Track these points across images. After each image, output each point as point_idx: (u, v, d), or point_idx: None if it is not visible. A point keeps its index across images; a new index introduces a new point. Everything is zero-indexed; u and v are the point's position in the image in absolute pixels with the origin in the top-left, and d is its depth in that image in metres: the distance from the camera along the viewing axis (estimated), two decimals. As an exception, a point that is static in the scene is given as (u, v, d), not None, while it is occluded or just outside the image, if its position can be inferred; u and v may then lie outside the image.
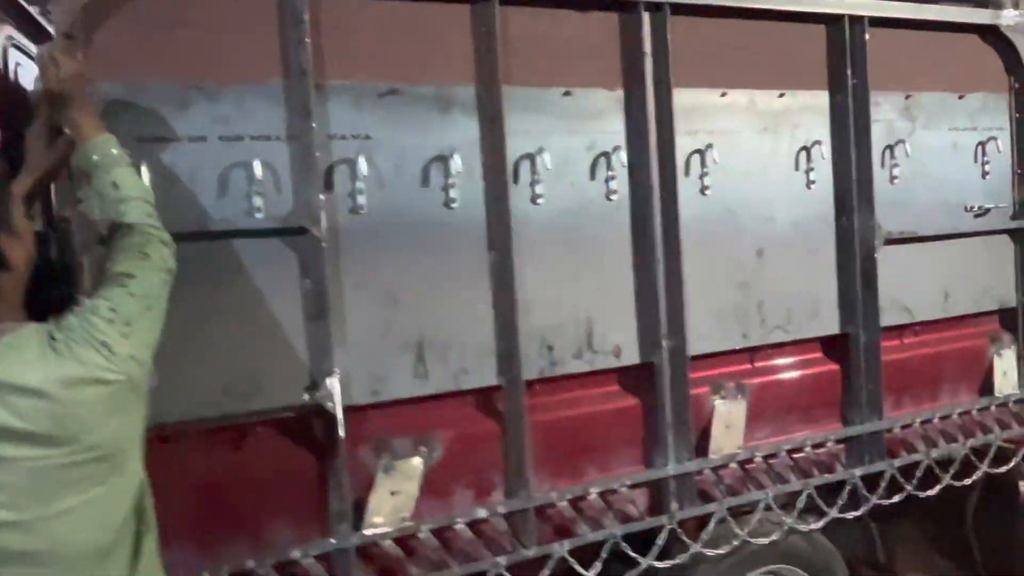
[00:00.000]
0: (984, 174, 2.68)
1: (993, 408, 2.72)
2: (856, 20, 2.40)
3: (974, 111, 2.67)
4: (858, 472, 2.45)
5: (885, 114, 2.50)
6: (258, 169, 1.70)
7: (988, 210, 2.70)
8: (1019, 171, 2.75)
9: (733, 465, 2.28)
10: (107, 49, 1.61)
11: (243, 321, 1.75)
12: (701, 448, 2.26)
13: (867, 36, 2.40)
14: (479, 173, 1.96)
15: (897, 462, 2.51)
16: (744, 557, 2.36)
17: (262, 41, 1.75)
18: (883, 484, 2.48)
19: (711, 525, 2.23)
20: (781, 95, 2.34)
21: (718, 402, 2.28)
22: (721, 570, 2.35)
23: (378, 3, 1.86)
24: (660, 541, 2.14)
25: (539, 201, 2.01)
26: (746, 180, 2.29)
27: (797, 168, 2.37)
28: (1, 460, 1.05)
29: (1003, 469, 2.72)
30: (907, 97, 2.54)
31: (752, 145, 2.30)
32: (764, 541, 2.30)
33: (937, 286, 2.63)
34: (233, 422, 1.75)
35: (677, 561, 2.18)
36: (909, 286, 2.56)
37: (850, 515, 2.44)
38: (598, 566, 2.06)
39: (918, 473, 2.55)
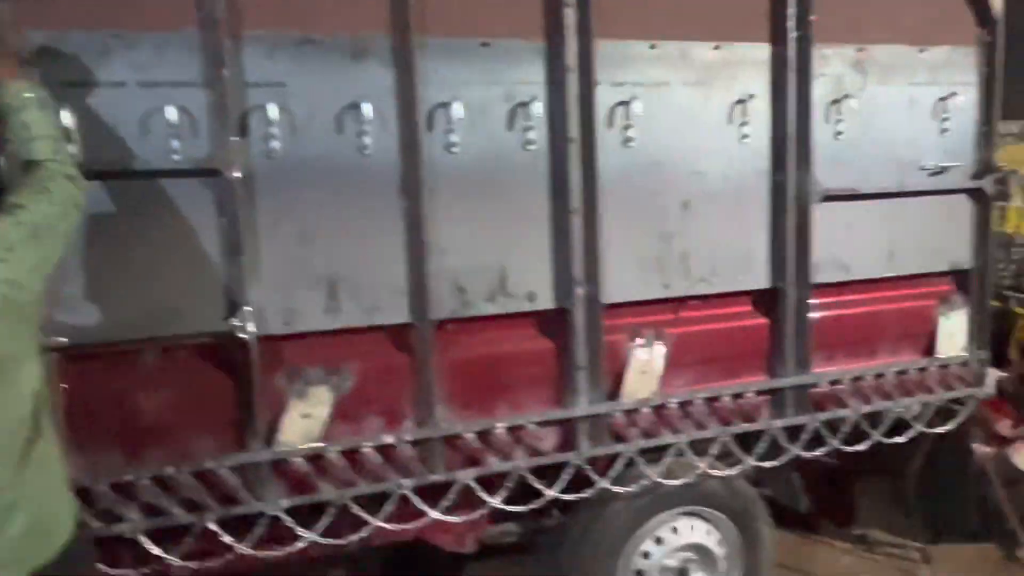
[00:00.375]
0: (943, 131, 2.61)
1: (935, 369, 2.71)
2: (801, -32, 2.34)
3: (936, 65, 2.58)
4: (778, 423, 2.51)
5: (833, 68, 2.46)
6: (172, 114, 1.84)
7: (944, 169, 2.63)
8: (984, 128, 2.66)
9: (646, 410, 2.37)
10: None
11: (165, 254, 1.92)
12: (619, 392, 2.36)
13: (813, -14, 2.35)
14: (394, 121, 2.05)
15: (821, 416, 2.56)
16: (659, 497, 2.48)
17: (179, -9, 1.86)
18: (804, 436, 2.54)
19: (618, 464, 2.34)
20: (716, 47, 2.32)
21: (634, 348, 2.36)
22: (637, 507, 2.48)
23: (292, -46, 1.94)
24: (566, 475, 2.28)
25: (454, 150, 2.09)
26: (674, 133, 2.31)
27: (731, 122, 2.37)
28: None
29: (940, 429, 2.73)
30: (859, 50, 2.48)
31: (682, 98, 2.31)
32: (673, 483, 2.40)
33: (881, 244, 2.60)
34: (155, 344, 1.94)
35: (584, 495, 2.31)
36: (850, 243, 2.56)
37: (767, 464, 2.51)
38: (503, 494, 2.22)
39: (844, 428, 2.59)
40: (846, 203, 2.52)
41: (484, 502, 2.20)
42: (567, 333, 2.26)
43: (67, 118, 1.76)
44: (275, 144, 1.95)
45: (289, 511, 2.06)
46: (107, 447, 1.92)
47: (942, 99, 2.59)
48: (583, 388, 2.29)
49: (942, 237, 2.69)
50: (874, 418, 2.64)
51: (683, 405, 2.42)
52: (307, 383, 2.07)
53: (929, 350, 2.73)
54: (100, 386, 1.90)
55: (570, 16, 2.14)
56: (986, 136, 2.66)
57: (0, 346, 1.33)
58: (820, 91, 2.44)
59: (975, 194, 2.69)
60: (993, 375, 2.80)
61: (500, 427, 2.22)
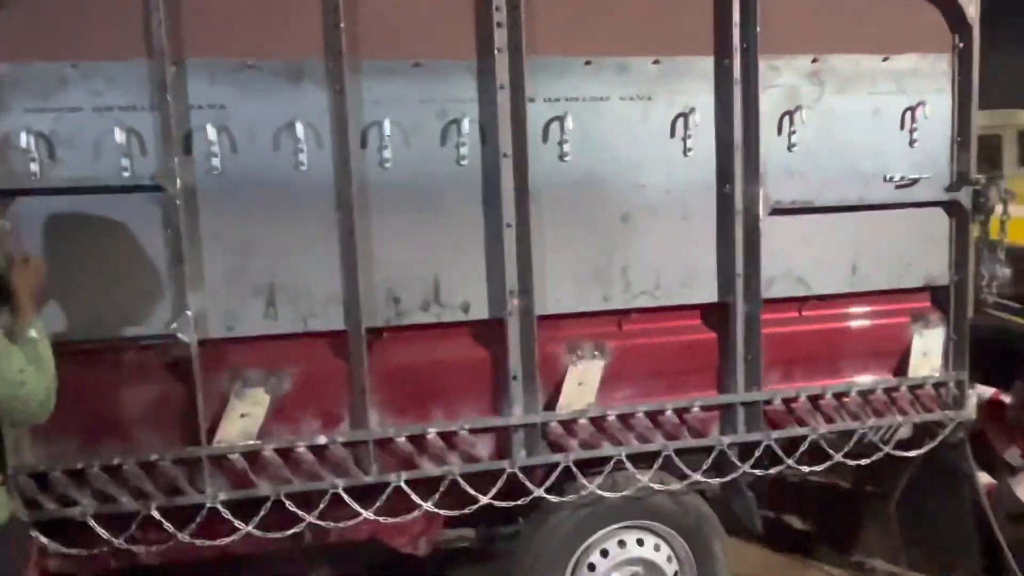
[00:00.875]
0: (912, 142, 2.51)
1: (906, 390, 2.59)
2: (744, -20, 2.33)
3: (903, 74, 2.49)
4: (727, 440, 2.47)
5: (786, 79, 2.42)
6: (119, 136, 2.03)
7: (915, 181, 2.53)
8: (959, 138, 2.54)
9: (584, 422, 2.39)
10: (1, 32, 1.98)
11: (118, 263, 2.11)
12: (556, 403, 2.39)
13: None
14: (329, 139, 2.17)
15: (775, 434, 2.50)
16: (603, 510, 2.48)
17: (130, 24, 2.05)
18: (757, 454, 2.49)
19: (555, 474, 2.37)
20: (656, 61, 2.33)
21: (572, 360, 2.39)
22: (581, 519, 2.49)
23: (233, -14, 2.10)
24: (500, 483, 2.32)
25: (387, 165, 2.20)
26: (613, 147, 2.33)
27: (673, 135, 2.37)
28: None
29: (912, 453, 2.61)
30: (813, 61, 2.43)
31: (621, 112, 2.33)
32: (613, 495, 2.41)
33: (844, 259, 2.52)
34: (109, 344, 2.13)
35: (519, 503, 2.35)
36: (808, 257, 2.49)
37: (714, 481, 2.48)
38: (435, 497, 2.29)
39: (802, 447, 2.52)
40: (801, 216, 2.46)
41: (422, 505, 2.27)
42: (502, 343, 2.32)
43: (30, 141, 1.97)
44: (216, 162, 2.10)
45: (231, 504, 2.20)
46: (64, 438, 2.12)
47: (910, 108, 2.49)
48: (518, 398, 2.34)
49: (915, 252, 2.58)
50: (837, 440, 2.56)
51: (624, 418, 2.42)
52: (245, 384, 2.21)
53: (901, 369, 2.61)
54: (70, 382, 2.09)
55: (501, 35, 2.21)
56: (962, 146, 2.54)
57: None
58: (771, 103, 2.41)
59: (951, 207, 2.57)
60: (974, 398, 2.65)
61: (433, 432, 2.30)
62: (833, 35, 2.44)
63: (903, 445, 2.67)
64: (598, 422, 2.41)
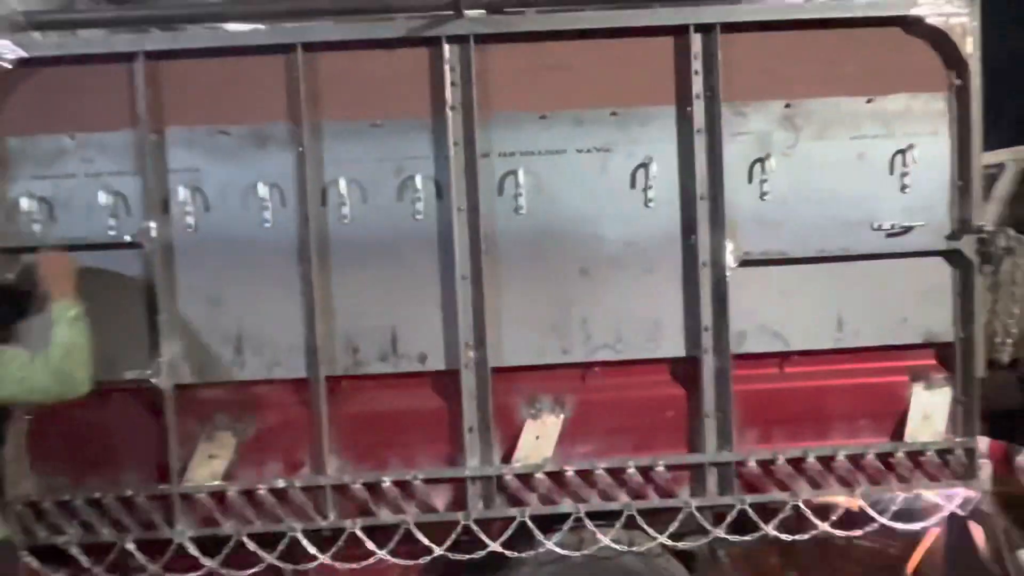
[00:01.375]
0: (903, 187, 2.33)
1: (902, 455, 2.37)
2: (705, 28, 2.27)
3: (890, 116, 2.33)
4: (695, 502, 2.35)
5: (756, 125, 2.33)
6: (104, 198, 2.25)
7: (908, 229, 2.35)
8: (960, 183, 2.33)
9: (540, 476, 2.35)
10: (11, 111, 2.27)
11: (103, 312, 2.30)
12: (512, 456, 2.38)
13: (718, 44, 2.27)
14: (293, 197, 2.31)
15: (750, 498, 2.35)
16: (567, 569, 2.42)
17: (118, 99, 2.29)
18: (729, 519, 2.35)
19: (510, 529, 2.34)
20: (613, 113, 2.32)
21: (530, 413, 2.37)
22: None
23: (206, 61, 2.30)
24: (454, 535, 2.33)
25: (345, 221, 2.30)
26: (570, 199, 2.33)
27: (633, 186, 2.33)
28: None
29: (918, 526, 2.38)
30: (786, 106, 2.32)
31: (577, 164, 2.33)
32: (569, 553, 2.35)
33: (827, 313, 2.37)
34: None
35: (473, 556, 2.35)
36: (785, 311, 2.36)
37: (680, 545, 2.36)
38: (390, 546, 2.33)
39: (783, 514, 2.36)
40: (776, 268, 2.34)
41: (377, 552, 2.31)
42: (457, 394, 2.34)
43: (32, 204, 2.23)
44: (190, 220, 2.29)
45: (202, 540, 2.34)
46: (56, 471, 2.34)
47: (900, 152, 2.33)
48: (474, 449, 2.34)
49: (912, 305, 2.37)
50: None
51: (585, 474, 2.37)
52: (214, 428, 2.35)
53: (900, 433, 2.40)
54: (50, 420, 2.32)
55: (454, 93, 2.28)
56: (963, 191, 2.33)
57: None
58: (740, 150, 2.32)
59: (953, 257, 2.35)
60: (988, 468, 2.39)
61: (387, 481, 2.34)
62: (809, 78, 2.33)
63: (912, 516, 2.45)
64: (557, 477, 2.37)
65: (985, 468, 2.39)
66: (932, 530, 2.56)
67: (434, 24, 2.26)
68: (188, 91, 2.31)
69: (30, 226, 2.28)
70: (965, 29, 2.29)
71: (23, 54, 2.26)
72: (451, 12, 2.23)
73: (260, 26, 2.38)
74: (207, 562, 2.32)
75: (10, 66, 2.25)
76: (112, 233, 2.28)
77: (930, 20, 2.28)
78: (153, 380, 2.30)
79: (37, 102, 2.30)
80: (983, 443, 2.68)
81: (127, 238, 2.29)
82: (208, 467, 2.35)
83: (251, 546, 2.32)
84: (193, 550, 2.32)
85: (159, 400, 2.32)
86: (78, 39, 2.39)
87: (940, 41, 2.31)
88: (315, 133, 2.30)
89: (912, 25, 2.30)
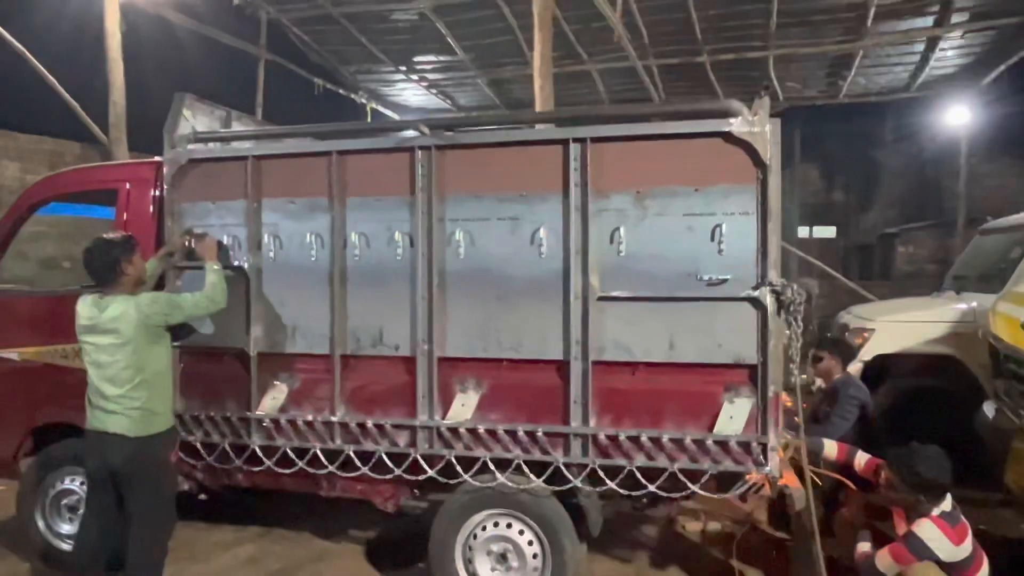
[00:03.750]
0: (719, 251, 3.27)
1: (711, 443, 3.28)
2: (579, 140, 3.41)
3: (713, 199, 3.28)
4: (562, 459, 3.45)
5: (616, 204, 3.40)
6: (227, 239, 3.87)
7: (724, 280, 3.28)
8: (761, 249, 3.23)
9: (462, 430, 3.58)
10: (184, 188, 3.97)
11: (228, 308, 3.93)
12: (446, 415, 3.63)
13: (588, 152, 3.38)
14: (328, 242, 3.77)
15: (599, 461, 3.40)
16: (482, 497, 3.62)
17: (236, 181, 3.90)
18: (583, 475, 3.43)
19: (442, 463, 3.60)
20: (522, 195, 3.51)
21: (459, 388, 3.61)
22: (467, 501, 3.66)
23: (284, 160, 3.85)
24: (407, 462, 3.64)
25: (356, 258, 3.73)
26: (491, 250, 3.55)
27: (532, 243, 3.50)
28: None
29: (719, 496, 3.28)
30: (637, 192, 3.37)
31: (497, 227, 3.54)
32: (479, 486, 3.54)
33: (661, 336, 3.35)
34: (213, 350, 3.95)
35: (420, 477, 3.63)
36: (632, 334, 3.39)
37: (556, 488, 3.47)
38: (365, 470, 3.69)
39: (622, 475, 3.38)
40: (626, 303, 3.38)
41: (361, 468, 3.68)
42: (415, 373, 3.65)
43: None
44: (271, 254, 3.84)
45: (262, 448, 3.85)
46: (190, 397, 3.98)
47: (718, 225, 3.28)
48: (423, 408, 3.64)
49: (725, 335, 3.28)
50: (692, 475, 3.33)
51: (492, 432, 3.56)
52: (276, 380, 3.87)
53: (711, 427, 3.32)
54: (190, 366, 3.95)
55: (423, 181, 3.62)
56: (763, 255, 3.22)
57: (158, 330, 3.39)
58: (605, 222, 3.41)
59: (755, 302, 3.25)
60: (776, 458, 3.22)
61: (370, 423, 3.71)
62: (653, 174, 3.35)
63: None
64: (474, 433, 3.58)
65: (773, 458, 3.23)
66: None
67: (411, 140, 3.63)
68: (274, 177, 3.87)
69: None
70: (765, 141, 3.20)
71: (193, 156, 3.96)
72: (421, 133, 3.59)
73: (311, 140, 3.90)
74: (267, 461, 3.83)
75: (185, 162, 3.96)
76: (236, 262, 3.89)
77: (740, 135, 3.23)
78: (245, 348, 3.87)
79: (196, 183, 3.98)
80: (830, 447, 3.53)
81: (237, 263, 3.88)
82: (272, 403, 3.86)
83: (291, 455, 3.80)
84: (259, 453, 3.84)
85: (248, 361, 3.88)
86: (220, 147, 4.05)
87: (748, 149, 3.24)
88: (341, 205, 3.75)
89: (728, 137, 3.26)
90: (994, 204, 12.10)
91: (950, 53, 11.63)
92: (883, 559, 3.28)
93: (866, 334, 5.99)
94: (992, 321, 4.49)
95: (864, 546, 3.38)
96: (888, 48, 11.45)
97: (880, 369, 5.87)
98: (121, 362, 3.29)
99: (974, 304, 5.67)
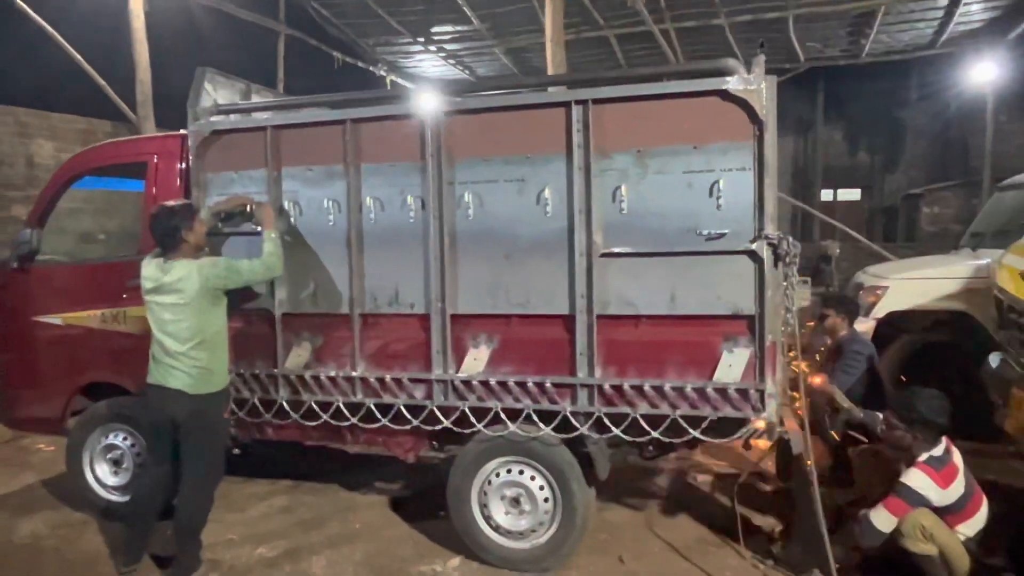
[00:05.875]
0: (719, 206, 3.39)
1: (712, 391, 3.44)
2: (580, 103, 3.53)
3: (712, 156, 3.39)
4: (570, 408, 3.64)
5: (618, 164, 3.53)
6: (250, 208, 4.08)
7: (722, 235, 3.40)
8: (758, 203, 3.34)
9: (475, 383, 3.78)
10: (208, 159, 4.18)
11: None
12: (459, 369, 3.83)
13: (590, 114, 3.51)
14: (345, 207, 3.96)
15: (604, 410, 3.58)
16: (496, 445, 3.83)
17: (256, 151, 4.10)
18: (590, 423, 3.61)
19: (456, 414, 3.81)
20: (527, 157, 3.66)
21: (472, 343, 3.81)
22: (482, 449, 3.87)
23: (302, 130, 4.03)
24: (424, 414, 3.86)
25: (372, 222, 3.91)
26: (499, 211, 3.71)
27: (538, 203, 3.65)
28: None
29: (720, 441, 3.45)
30: (638, 152, 3.50)
31: (504, 189, 3.69)
32: (492, 435, 3.75)
33: (663, 290, 3.49)
34: (242, 312, 4.19)
35: (437, 428, 3.85)
36: (635, 288, 3.54)
37: (566, 436, 3.66)
38: (384, 422, 3.91)
39: (626, 422, 3.56)
40: (629, 259, 3.53)
41: (381, 420, 3.92)
42: (430, 329, 3.85)
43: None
44: (292, 220, 4.05)
45: (288, 402, 4.10)
46: (236, 361, 4.23)
47: (716, 182, 3.39)
48: (438, 362, 3.84)
49: (724, 287, 3.41)
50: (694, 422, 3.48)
51: (503, 384, 3.75)
52: (300, 339, 4.10)
53: (711, 376, 3.47)
54: (232, 329, 4.20)
55: (433, 146, 3.78)
56: (760, 209, 3.34)
57: (216, 293, 3.63)
58: (607, 181, 3.54)
59: (752, 255, 3.37)
60: (773, 404, 3.37)
61: (388, 377, 3.93)
62: (653, 133, 3.46)
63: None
64: (486, 385, 3.78)
65: (771, 404, 3.38)
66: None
67: (420, 107, 3.78)
68: (292, 146, 4.05)
69: (217, 221, 4.17)
70: (761, 98, 3.30)
71: (215, 128, 4.16)
72: (432, 98, 3.75)
73: (326, 109, 4.07)
74: (294, 415, 4.08)
75: (208, 134, 4.16)
76: (254, 227, 4.10)
77: (736, 92, 3.32)
78: (271, 309, 4.10)
79: (220, 154, 4.18)
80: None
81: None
82: (297, 360, 4.10)
83: (315, 408, 4.04)
84: (287, 407, 4.09)
85: (273, 321, 4.12)
86: (240, 119, 4.24)
87: (744, 106, 3.34)
88: (356, 171, 3.93)
89: (725, 95, 3.36)
90: (1022, 162, 11.90)
91: (975, 7, 11.38)
92: (879, 515, 3.35)
93: (879, 291, 6.05)
94: (998, 273, 4.55)
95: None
96: (911, 3, 11.23)
97: (893, 326, 5.94)
98: (183, 322, 3.54)
99: (988, 260, 5.69)
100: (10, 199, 8.40)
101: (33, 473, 5.56)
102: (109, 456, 4.59)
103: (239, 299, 3.97)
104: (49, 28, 8.73)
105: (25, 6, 8.42)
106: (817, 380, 4.35)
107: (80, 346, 4.55)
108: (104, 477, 4.62)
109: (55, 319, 4.61)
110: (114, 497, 4.57)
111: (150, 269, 3.62)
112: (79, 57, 9.02)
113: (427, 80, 15.05)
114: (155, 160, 4.40)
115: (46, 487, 5.25)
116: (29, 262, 4.66)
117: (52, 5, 8.94)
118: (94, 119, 9.67)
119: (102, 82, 9.25)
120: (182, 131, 4.31)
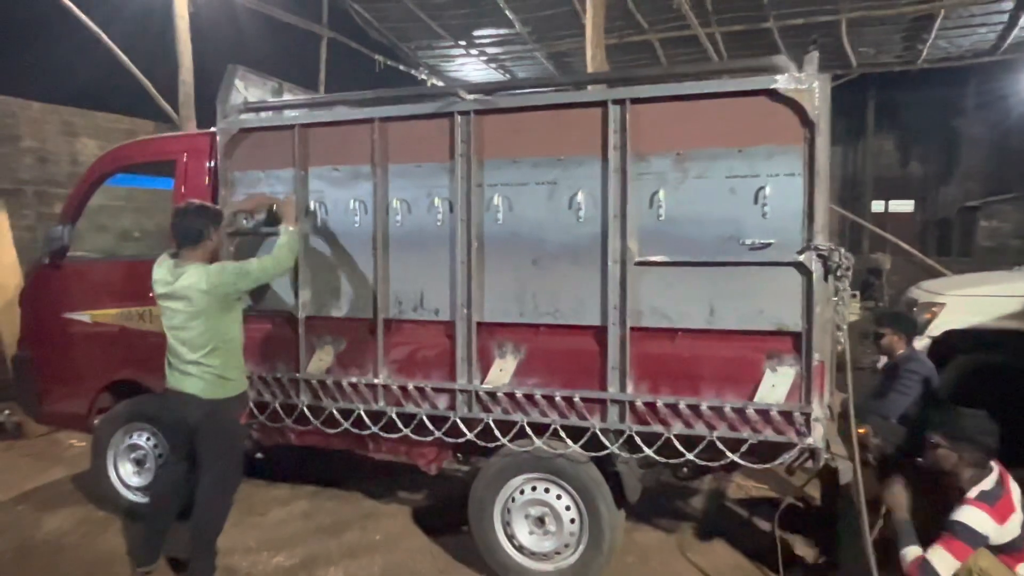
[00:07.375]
0: (764, 214, 3.16)
1: (752, 412, 3.20)
2: (618, 102, 3.34)
3: (757, 160, 3.16)
4: (598, 424, 3.44)
5: (655, 168, 3.33)
6: (275, 208, 3.98)
7: (767, 244, 3.17)
8: (808, 212, 3.10)
9: (500, 395, 3.60)
10: (235, 157, 4.10)
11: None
12: (484, 379, 3.67)
13: (628, 114, 3.32)
14: (371, 209, 3.84)
15: (636, 427, 3.37)
16: (520, 461, 3.65)
17: (284, 150, 4.00)
18: (620, 441, 3.40)
19: (479, 427, 3.64)
20: (559, 159, 3.48)
21: (498, 353, 3.64)
22: (506, 464, 3.70)
23: (330, 128, 3.92)
24: (447, 425, 3.70)
25: (398, 224, 3.78)
26: (528, 215, 3.54)
27: (570, 208, 3.47)
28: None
29: (759, 466, 3.21)
30: (677, 154, 3.29)
31: (535, 192, 3.52)
32: (516, 450, 3.57)
33: (702, 302, 3.27)
34: (258, 314, 4.10)
35: (460, 440, 3.69)
36: (671, 300, 3.32)
37: (593, 454, 3.46)
38: (406, 431, 3.77)
39: (659, 442, 3.35)
40: (665, 268, 3.32)
41: (403, 429, 3.77)
42: (455, 336, 3.69)
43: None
44: (318, 220, 3.94)
45: (309, 407, 3.99)
46: (249, 359, 4.14)
47: (761, 188, 3.16)
48: (462, 372, 3.68)
49: (768, 301, 3.17)
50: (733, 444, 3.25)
51: (529, 397, 3.57)
52: (322, 343, 3.98)
53: (752, 396, 3.23)
54: (248, 333, 4.11)
55: (462, 147, 3.62)
56: (810, 218, 3.10)
57: (228, 299, 3.55)
58: (644, 185, 3.34)
59: (800, 267, 3.13)
60: (821, 428, 3.12)
61: (411, 386, 3.78)
62: (694, 135, 3.25)
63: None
64: (512, 397, 3.60)
65: (817, 429, 3.12)
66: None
67: (450, 104, 3.64)
68: (319, 145, 3.95)
69: (242, 220, 4.09)
70: (813, 98, 3.06)
71: (243, 126, 4.09)
72: (458, 97, 3.59)
73: (355, 109, 3.95)
74: (314, 421, 3.97)
75: (236, 132, 4.09)
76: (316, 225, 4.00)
77: (786, 92, 3.09)
78: (293, 312, 4.00)
79: (248, 152, 4.11)
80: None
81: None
82: (319, 364, 3.99)
83: (336, 415, 3.92)
84: (307, 413, 3.98)
85: (296, 324, 4.01)
86: (270, 117, 4.16)
87: (794, 107, 3.10)
88: (384, 171, 3.80)
89: (773, 95, 3.13)
90: (1088, 175, 11.26)
91: (1042, 11, 10.82)
92: (942, 560, 2.99)
93: (936, 308, 5.70)
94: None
95: (913, 551, 3.15)
96: (973, 7, 10.72)
97: (950, 346, 5.58)
98: (195, 329, 3.45)
99: (1054, 278, 5.31)
100: (54, 196, 8.54)
101: (63, 468, 5.58)
102: (132, 456, 4.55)
103: (260, 299, 3.87)
104: (95, 28, 8.88)
105: (72, 6, 8.56)
106: (861, 431, 4.01)
107: (106, 344, 4.53)
108: (127, 477, 4.57)
109: (83, 316, 4.59)
110: (136, 497, 4.52)
111: (161, 272, 3.55)
112: (124, 57, 9.15)
113: (464, 82, 14.98)
114: (184, 158, 4.35)
115: (74, 483, 5.25)
116: (60, 258, 4.66)
117: (98, 6, 9.10)
118: (138, 119, 9.80)
119: (146, 82, 9.37)
120: (212, 129, 4.25)
